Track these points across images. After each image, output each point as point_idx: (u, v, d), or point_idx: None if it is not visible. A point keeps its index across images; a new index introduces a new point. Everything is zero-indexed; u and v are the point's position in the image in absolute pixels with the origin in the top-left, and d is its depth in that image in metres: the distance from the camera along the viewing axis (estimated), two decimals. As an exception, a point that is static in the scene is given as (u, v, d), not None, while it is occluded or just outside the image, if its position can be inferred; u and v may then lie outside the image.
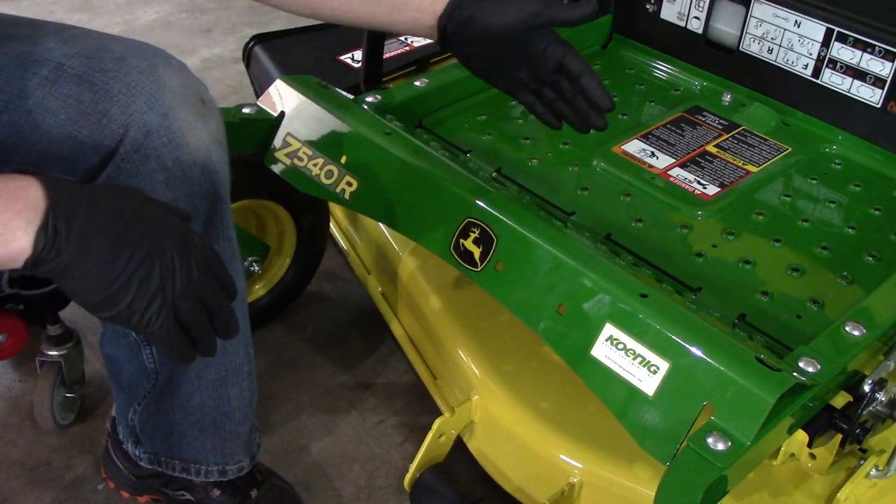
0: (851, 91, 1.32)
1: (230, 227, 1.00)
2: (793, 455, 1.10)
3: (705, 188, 1.24)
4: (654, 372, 0.86)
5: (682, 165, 1.29)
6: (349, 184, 1.15)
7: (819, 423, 0.94)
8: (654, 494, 0.80)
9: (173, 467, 1.17)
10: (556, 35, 0.98)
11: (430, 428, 1.15)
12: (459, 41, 0.98)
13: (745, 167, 1.29)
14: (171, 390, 1.10)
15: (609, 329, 0.90)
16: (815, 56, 1.34)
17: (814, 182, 1.29)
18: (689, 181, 1.26)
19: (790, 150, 1.34)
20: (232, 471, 1.17)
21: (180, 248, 0.72)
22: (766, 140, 1.36)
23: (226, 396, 1.09)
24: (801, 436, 0.95)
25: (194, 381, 1.08)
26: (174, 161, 0.90)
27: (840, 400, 0.95)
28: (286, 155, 1.21)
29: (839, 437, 0.96)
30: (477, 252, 1.03)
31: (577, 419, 1.16)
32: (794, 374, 0.85)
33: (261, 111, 1.25)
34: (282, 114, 1.24)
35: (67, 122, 0.89)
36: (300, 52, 1.81)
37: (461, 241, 1.04)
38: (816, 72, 1.35)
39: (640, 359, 0.87)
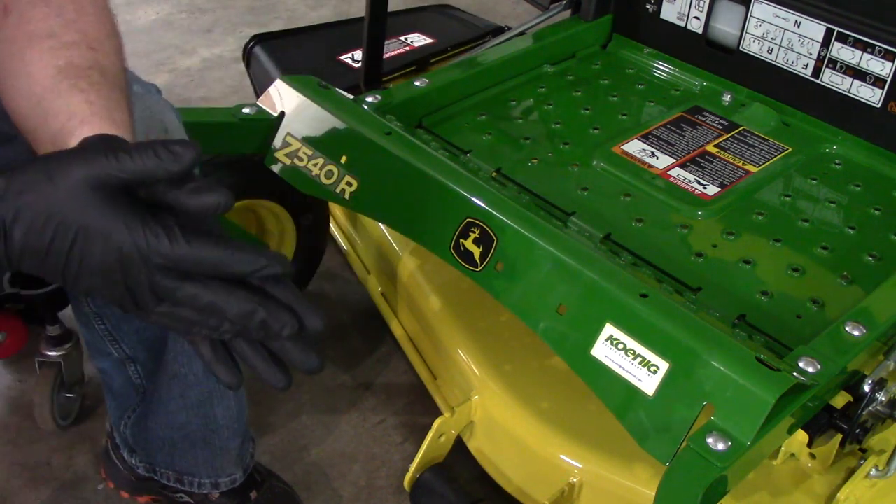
0: (851, 91, 1.32)
1: None
2: (793, 455, 1.10)
3: (705, 188, 1.24)
4: (654, 372, 0.86)
5: (682, 165, 1.29)
6: (349, 184, 1.15)
7: (819, 423, 0.94)
8: (654, 494, 0.80)
9: (168, 477, 1.17)
10: None
11: (430, 428, 1.15)
12: None
13: (745, 167, 1.29)
14: (157, 408, 1.10)
15: (609, 329, 0.90)
16: (815, 56, 1.34)
17: (814, 182, 1.29)
18: (689, 181, 1.26)
19: (790, 150, 1.34)
20: (224, 483, 1.17)
21: None
22: (766, 140, 1.36)
23: (212, 415, 1.09)
24: (801, 436, 0.95)
25: (178, 401, 1.08)
26: None
27: (840, 400, 0.95)
28: (286, 155, 1.21)
29: (839, 437, 0.96)
30: (477, 252, 1.03)
31: (577, 419, 1.16)
32: (794, 374, 0.85)
33: (261, 111, 1.25)
34: (282, 114, 1.24)
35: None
36: (300, 52, 1.81)
37: (461, 241, 1.04)
38: (816, 72, 1.35)
39: (640, 359, 0.87)
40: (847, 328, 0.93)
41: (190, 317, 0.62)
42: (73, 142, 0.64)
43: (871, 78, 1.29)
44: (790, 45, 1.36)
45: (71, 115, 0.67)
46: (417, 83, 1.37)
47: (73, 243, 0.58)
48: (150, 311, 0.62)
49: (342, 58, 1.78)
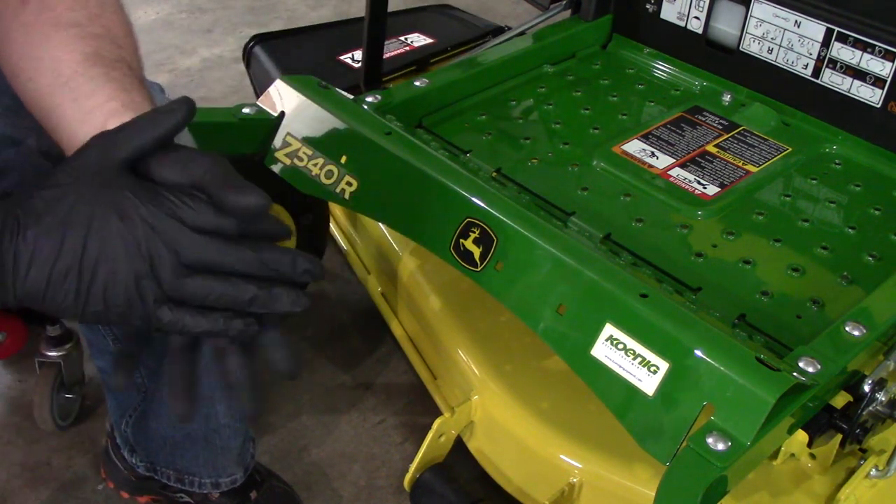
0: (851, 91, 1.32)
1: None
2: (793, 455, 1.10)
3: (705, 188, 1.24)
4: (654, 372, 0.86)
5: (682, 165, 1.29)
6: (349, 184, 1.15)
7: (819, 423, 0.94)
8: (654, 494, 0.80)
9: (168, 476, 1.17)
10: None
11: (430, 428, 1.15)
12: None
13: (745, 167, 1.29)
14: (159, 408, 1.10)
15: (609, 329, 0.90)
16: (815, 56, 1.34)
17: (814, 182, 1.29)
18: (689, 181, 1.26)
19: (790, 150, 1.34)
20: (225, 483, 1.17)
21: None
22: (766, 140, 1.36)
23: (213, 414, 1.09)
24: (801, 436, 0.95)
25: None
26: None
27: (840, 400, 0.95)
28: (286, 155, 1.21)
29: (839, 437, 0.96)
30: (477, 252, 1.03)
31: (577, 419, 1.16)
32: (794, 374, 0.85)
33: (261, 111, 1.25)
34: (282, 114, 1.24)
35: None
36: (300, 52, 1.82)
37: (461, 241, 1.04)
38: (816, 72, 1.35)
39: (640, 359, 0.87)
40: (847, 328, 0.93)
41: (218, 289, 0.62)
42: (112, 123, 0.64)
43: (871, 78, 1.29)
44: (790, 45, 1.36)
45: (110, 97, 0.67)
46: (417, 83, 1.37)
47: (89, 228, 0.58)
48: (180, 290, 0.61)
49: (342, 58, 1.78)
